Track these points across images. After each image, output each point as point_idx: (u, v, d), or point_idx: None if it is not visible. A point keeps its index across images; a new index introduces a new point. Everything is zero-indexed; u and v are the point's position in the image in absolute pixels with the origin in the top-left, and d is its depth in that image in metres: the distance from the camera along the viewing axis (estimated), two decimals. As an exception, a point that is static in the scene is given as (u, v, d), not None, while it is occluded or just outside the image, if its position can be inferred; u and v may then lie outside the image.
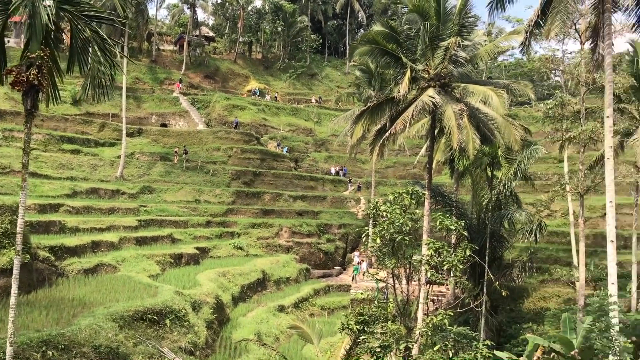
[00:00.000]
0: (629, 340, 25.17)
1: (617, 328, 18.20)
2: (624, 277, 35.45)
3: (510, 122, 30.89)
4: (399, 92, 26.31)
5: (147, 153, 52.04)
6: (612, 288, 18.89)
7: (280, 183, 54.06)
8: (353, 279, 44.18)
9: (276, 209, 49.56)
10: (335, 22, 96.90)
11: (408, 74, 26.13)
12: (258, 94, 74.63)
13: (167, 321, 22.00)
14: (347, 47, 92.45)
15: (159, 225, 40.47)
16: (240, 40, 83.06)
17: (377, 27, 29.26)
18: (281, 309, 33.35)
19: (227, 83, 77.37)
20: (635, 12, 21.40)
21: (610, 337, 18.18)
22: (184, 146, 54.01)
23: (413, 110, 26.28)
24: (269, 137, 63.83)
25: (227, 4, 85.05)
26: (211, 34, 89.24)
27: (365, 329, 17.19)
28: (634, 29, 22.76)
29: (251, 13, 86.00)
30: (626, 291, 33.32)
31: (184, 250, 36.43)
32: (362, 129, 29.51)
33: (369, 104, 29.62)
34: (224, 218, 46.16)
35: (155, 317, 21.52)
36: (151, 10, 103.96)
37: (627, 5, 20.61)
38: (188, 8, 79.48)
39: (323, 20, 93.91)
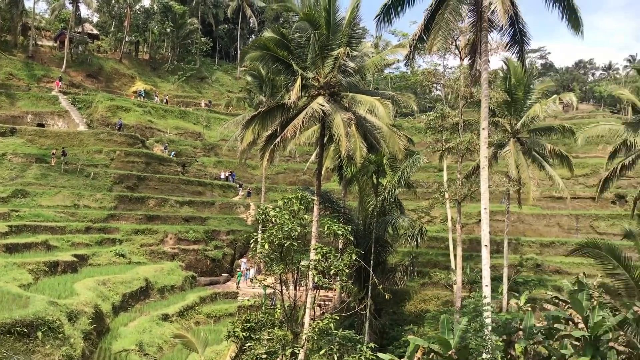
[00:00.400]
0: (500, 339, 26.95)
1: (490, 328, 19.37)
2: (496, 280, 37.92)
3: (394, 131, 32.10)
4: (289, 98, 26.48)
5: (21, 154, 48.44)
6: (486, 290, 20.10)
7: (166, 188, 52.43)
8: (237, 285, 43.82)
9: (161, 215, 48.00)
10: (226, 26, 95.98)
11: (299, 81, 26.36)
12: (144, 95, 72.04)
13: (39, 334, 20.51)
14: (239, 52, 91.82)
15: (33, 232, 37.79)
16: (126, 39, 79.89)
17: (268, 34, 29.29)
18: (165, 317, 32.29)
19: (112, 83, 74.06)
20: (509, 32, 23.06)
21: (483, 336, 19.30)
22: (63, 148, 50.85)
23: (303, 117, 26.54)
24: (155, 140, 61.76)
25: (112, 1, 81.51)
26: (95, 31, 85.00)
27: (252, 335, 17.05)
28: (507, 47, 24.52)
29: (139, 12, 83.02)
30: (498, 293, 35.66)
31: (61, 257, 34.23)
32: (253, 134, 29.33)
33: (259, 110, 29.54)
34: (105, 224, 44.01)
35: (25, 330, 19.99)
36: (28, 2, 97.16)
37: (502, 25, 22.12)
38: (70, 3, 75.16)
39: (214, 24, 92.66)
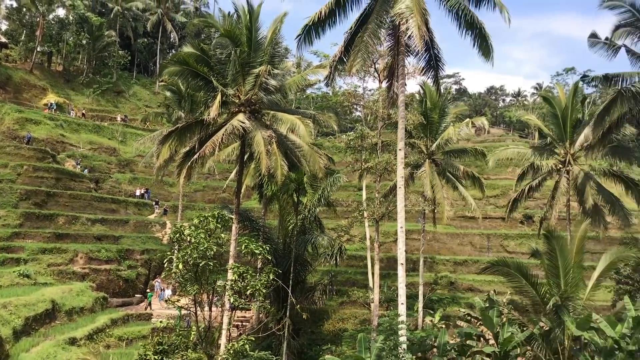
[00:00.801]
0: (415, 357, 27.37)
1: (404, 346, 19.60)
2: (412, 298, 38.66)
3: (315, 150, 32.33)
4: (209, 114, 26.10)
5: None
6: (402, 308, 20.38)
7: (77, 205, 50.04)
8: (146, 307, 42.31)
9: (72, 233, 45.70)
10: (145, 40, 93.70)
11: (219, 97, 26.07)
12: (55, 107, 68.81)
13: None
14: (158, 67, 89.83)
15: None
16: (38, 49, 76.25)
17: (188, 49, 28.86)
18: (72, 341, 30.57)
19: (21, 94, 70.27)
20: (425, 57, 23.83)
21: (397, 355, 19.50)
22: (-37, 161, 47.60)
23: (223, 134, 26.22)
24: (66, 155, 59.01)
25: (24, 9, 77.73)
26: (4, 39, 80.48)
27: (164, 358, 16.39)
28: (423, 72, 25.32)
29: (52, 22, 79.52)
30: (414, 310, 36.34)
31: (-44, 279, 31.84)
32: (170, 151, 28.64)
33: (177, 125, 28.93)
34: (8, 243, 41.34)
35: None
36: None
37: (418, 50, 22.83)
38: (-25, 8, 71.01)
39: (133, 37, 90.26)
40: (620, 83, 29.11)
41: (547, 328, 26.85)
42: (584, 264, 29.22)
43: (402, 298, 20.50)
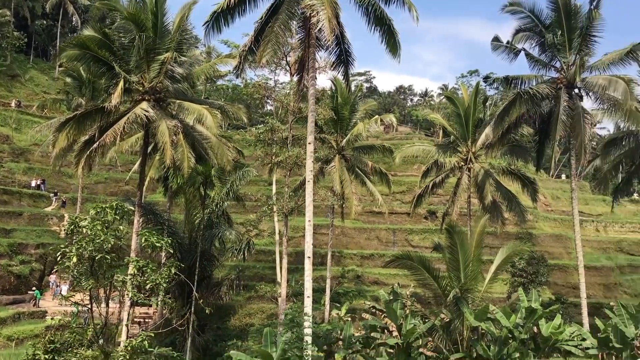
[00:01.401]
0: (321, 350, 27.50)
1: (309, 339, 19.51)
2: (319, 291, 38.87)
3: (224, 142, 31.64)
4: (110, 102, 24.81)
5: None
6: (308, 301, 20.30)
7: (-36, 196, 46.33)
8: (35, 304, 39.89)
9: (-44, 226, 42.27)
10: (44, 22, 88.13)
11: (121, 84, 24.83)
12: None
13: None
14: (58, 51, 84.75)
15: None
16: None
17: (89, 32, 27.33)
18: (-46, 343, 28.23)
19: None
20: (335, 51, 23.84)
21: (300, 347, 19.40)
22: None
23: (125, 122, 25.04)
24: (-48, 142, 54.47)
25: None
26: None
27: (56, 357, 15.33)
28: (334, 66, 25.34)
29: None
30: (321, 304, 36.57)
31: None
32: (68, 139, 26.94)
33: (76, 112, 27.31)
34: None
35: None
36: None
37: (329, 44, 22.78)
38: None
39: (30, 18, 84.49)
40: (519, 85, 30.63)
41: (447, 319, 27.77)
42: (482, 257, 30.52)
43: (308, 291, 20.42)
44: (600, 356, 26.19)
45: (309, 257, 20.62)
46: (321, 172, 36.47)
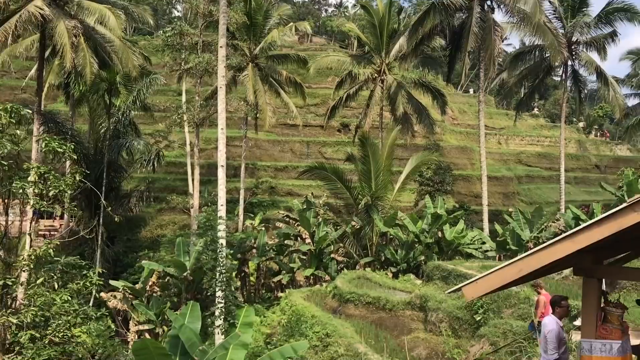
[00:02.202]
0: (235, 258, 27.81)
1: (223, 242, 19.52)
2: (233, 202, 38.84)
3: (129, 46, 29.83)
4: (-2, -2, 22.47)
5: None
6: (222, 209, 20.16)
7: None
8: None
9: None
10: None
11: (10, -24, 22.45)
12: None
13: None
14: None
15: None
16: None
17: None
18: None
19: None
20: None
21: (215, 249, 19.46)
22: None
23: (17, 22, 22.87)
24: None
25: None
26: None
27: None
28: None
29: None
30: (234, 214, 36.68)
31: None
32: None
33: (-42, 8, 24.55)
34: None
35: None
36: None
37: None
38: None
39: None
40: (434, -5, 30.55)
41: (358, 227, 28.73)
42: (392, 168, 31.44)
43: (222, 200, 20.24)
44: (497, 257, 28.20)
45: (222, 166, 20.30)
46: (234, 81, 35.45)
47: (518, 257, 4.37)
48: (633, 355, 5.90)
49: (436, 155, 36.33)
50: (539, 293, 13.57)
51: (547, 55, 33.82)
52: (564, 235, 4.17)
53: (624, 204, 3.86)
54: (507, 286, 5.19)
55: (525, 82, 36.75)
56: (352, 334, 18.98)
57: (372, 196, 27.77)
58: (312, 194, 34.36)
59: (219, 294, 18.95)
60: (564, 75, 35.64)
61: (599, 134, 70.72)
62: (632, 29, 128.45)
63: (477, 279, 4.59)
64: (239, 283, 28.68)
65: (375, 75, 35.25)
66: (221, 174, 20.34)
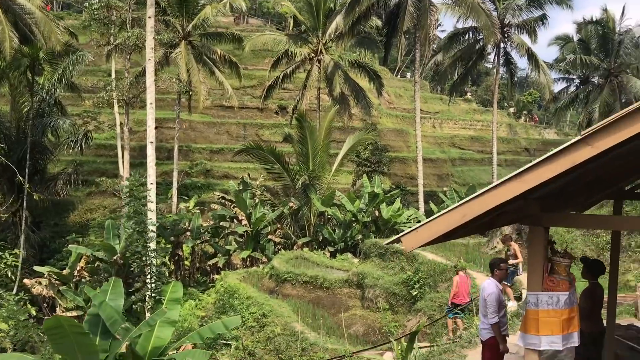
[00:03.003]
0: (168, 241, 26.93)
1: (153, 217, 18.71)
2: (166, 185, 37.75)
3: (52, 19, 28.18)
4: None
5: None
6: (152, 188, 19.34)
7: None
8: None
9: None
10: None
11: None
12: None
13: None
14: None
15: None
16: None
17: None
18: None
19: None
20: None
21: (144, 230, 18.61)
22: None
23: None
24: None
25: None
26: None
27: None
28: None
29: None
30: (168, 197, 35.65)
31: None
32: None
33: None
34: None
35: None
36: None
37: None
38: None
39: None
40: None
41: (296, 207, 28.42)
42: (330, 151, 31.21)
43: (151, 178, 19.43)
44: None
45: (152, 142, 19.50)
46: (166, 59, 34.14)
47: (461, 202, 4.07)
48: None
49: (373, 134, 36.34)
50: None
51: (480, 37, 34.36)
52: (510, 175, 3.90)
53: (577, 137, 3.61)
54: (451, 236, 4.92)
55: (459, 64, 37.22)
56: (289, 314, 18.73)
57: (309, 176, 27.47)
58: (248, 175, 33.72)
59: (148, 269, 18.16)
60: (496, 57, 36.32)
61: (528, 119, 73.05)
62: (558, 16, 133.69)
63: (418, 227, 4.29)
64: (172, 267, 27.83)
65: (312, 55, 34.83)
66: (150, 150, 19.52)
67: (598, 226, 4.94)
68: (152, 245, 19.10)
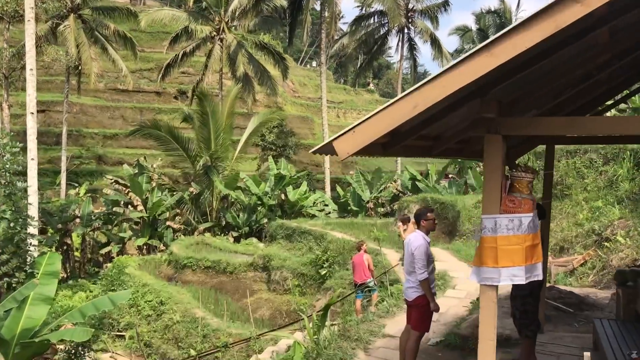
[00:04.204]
0: (55, 229, 24.54)
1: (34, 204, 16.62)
2: (53, 172, 34.79)
3: None
4: None
5: None
6: (32, 166, 17.19)
7: None
8: None
9: None
10: None
11: None
12: None
13: None
14: None
15: None
16: None
17: None
18: None
19: None
20: None
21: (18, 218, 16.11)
22: None
23: None
24: None
25: None
26: None
27: None
28: None
29: None
30: (56, 184, 32.87)
31: None
32: None
33: None
34: None
35: None
36: None
37: None
38: None
39: None
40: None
41: (197, 192, 26.84)
42: (233, 137, 29.77)
43: (32, 152, 17.30)
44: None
45: (32, 113, 17.39)
46: (53, 33, 31.17)
47: (413, 88, 3.11)
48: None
49: (278, 113, 35.20)
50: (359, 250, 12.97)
51: (385, 21, 34.21)
52: (477, 47, 2.96)
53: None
54: (396, 146, 3.97)
55: (364, 48, 36.89)
56: (189, 300, 17.33)
57: (211, 155, 25.94)
58: (144, 157, 31.57)
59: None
60: (400, 43, 36.41)
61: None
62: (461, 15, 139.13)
63: (356, 125, 3.27)
64: (60, 256, 25.30)
65: (214, 34, 33.13)
66: (31, 122, 17.41)
67: (568, 130, 4.09)
68: (32, 230, 16.83)
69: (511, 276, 3.96)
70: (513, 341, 7.11)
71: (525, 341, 6.00)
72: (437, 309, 6.40)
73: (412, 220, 13.46)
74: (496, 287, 4.01)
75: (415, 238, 6.54)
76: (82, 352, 10.39)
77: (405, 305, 6.85)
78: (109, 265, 22.29)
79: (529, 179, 4.13)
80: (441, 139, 5.07)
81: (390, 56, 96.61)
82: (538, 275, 4.20)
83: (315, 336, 8.45)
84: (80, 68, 31.35)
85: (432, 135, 4.80)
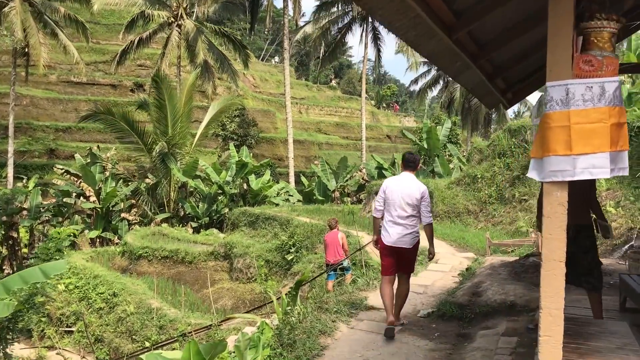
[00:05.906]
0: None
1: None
2: (1, 166, 32.89)
3: None
4: None
5: None
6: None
7: None
8: None
9: None
10: None
11: None
12: None
13: None
14: None
15: None
16: None
17: None
18: None
19: None
20: None
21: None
22: None
23: None
24: None
25: None
26: None
27: None
28: None
29: None
30: (2, 177, 31.01)
31: None
32: None
33: None
34: None
35: None
36: None
37: None
38: None
39: None
40: None
41: (153, 182, 25.49)
42: (193, 131, 28.42)
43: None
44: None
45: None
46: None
47: None
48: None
49: (239, 99, 33.94)
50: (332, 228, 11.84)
51: (349, 9, 33.40)
52: None
53: None
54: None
55: (328, 36, 35.91)
56: (144, 291, 16.05)
57: (168, 143, 24.60)
58: (97, 147, 29.94)
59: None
60: (364, 33, 35.65)
61: (390, 108, 74.75)
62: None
63: None
64: (5, 252, 23.63)
65: (172, 19, 31.75)
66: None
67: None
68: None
69: (591, 167, 2.83)
70: (519, 308, 6.26)
71: (598, 295, 4.92)
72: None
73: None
74: (567, 184, 2.86)
75: (417, 182, 5.83)
76: (8, 336, 9.11)
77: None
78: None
79: (612, 30, 2.93)
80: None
81: (351, 56, 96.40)
82: (624, 169, 2.95)
83: (288, 315, 7.43)
84: (28, 54, 29.52)
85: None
